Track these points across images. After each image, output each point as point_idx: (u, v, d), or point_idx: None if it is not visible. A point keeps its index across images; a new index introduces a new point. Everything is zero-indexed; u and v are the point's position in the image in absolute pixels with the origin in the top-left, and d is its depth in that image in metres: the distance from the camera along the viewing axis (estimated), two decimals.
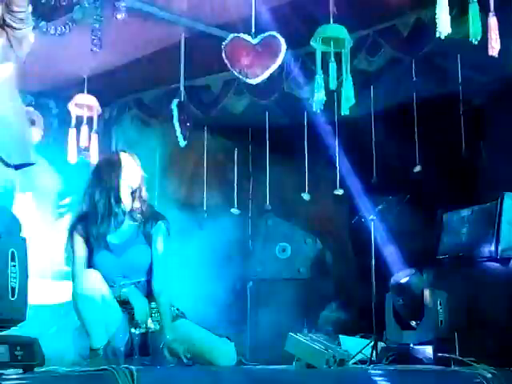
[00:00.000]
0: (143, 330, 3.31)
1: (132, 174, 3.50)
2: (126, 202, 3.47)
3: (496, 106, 5.19)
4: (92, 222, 3.40)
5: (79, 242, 3.41)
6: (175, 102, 5.20)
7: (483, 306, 4.08)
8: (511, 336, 3.93)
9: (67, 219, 5.51)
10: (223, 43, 4.45)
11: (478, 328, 4.06)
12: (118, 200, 3.43)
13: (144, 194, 3.54)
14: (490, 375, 3.30)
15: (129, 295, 3.32)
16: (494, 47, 3.68)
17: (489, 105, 5.28)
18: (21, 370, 2.42)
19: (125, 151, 3.61)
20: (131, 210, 3.48)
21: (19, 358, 2.40)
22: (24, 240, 2.61)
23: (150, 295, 3.41)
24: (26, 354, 2.43)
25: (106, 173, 3.47)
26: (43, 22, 4.58)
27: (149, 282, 3.42)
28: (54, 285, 4.73)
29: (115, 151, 3.62)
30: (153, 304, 3.38)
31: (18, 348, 2.40)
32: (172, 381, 2.53)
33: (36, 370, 2.48)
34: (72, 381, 2.31)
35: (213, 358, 3.22)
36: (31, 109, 5.39)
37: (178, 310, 3.46)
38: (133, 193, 3.50)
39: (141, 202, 3.51)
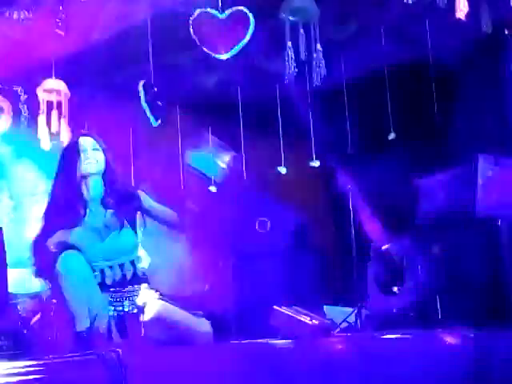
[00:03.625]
0: (121, 313, 3.30)
1: (93, 159, 3.40)
2: (90, 190, 3.40)
3: (466, 68, 5.20)
4: (54, 215, 3.34)
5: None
6: (141, 82, 5.13)
7: (463, 268, 4.13)
8: (491, 296, 3.99)
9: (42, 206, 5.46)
10: (190, 18, 4.40)
11: (458, 290, 4.12)
12: (77, 191, 3.35)
13: (115, 177, 3.46)
14: (472, 335, 3.35)
15: None
16: (462, 10, 3.68)
17: (459, 68, 5.30)
18: (6, 360, 2.41)
19: (87, 135, 3.47)
20: (103, 197, 3.41)
21: (4, 347, 2.39)
22: (0, 230, 2.58)
23: (131, 278, 3.39)
24: (11, 343, 2.42)
25: (64, 162, 3.39)
26: (5, 8, 4.49)
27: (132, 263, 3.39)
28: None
29: (75, 136, 3.48)
30: (130, 287, 3.36)
31: (2, 338, 2.39)
32: (159, 361, 2.53)
33: (21, 359, 2.47)
34: (59, 367, 2.30)
35: (190, 338, 3.22)
36: None
37: (157, 291, 3.43)
38: (102, 179, 3.42)
39: (111, 186, 3.43)
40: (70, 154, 3.40)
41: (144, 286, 3.41)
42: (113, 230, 3.36)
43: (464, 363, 3.23)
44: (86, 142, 3.43)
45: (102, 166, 3.42)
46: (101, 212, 3.40)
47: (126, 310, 3.31)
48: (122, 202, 3.40)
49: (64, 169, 3.40)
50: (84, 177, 3.38)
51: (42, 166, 5.75)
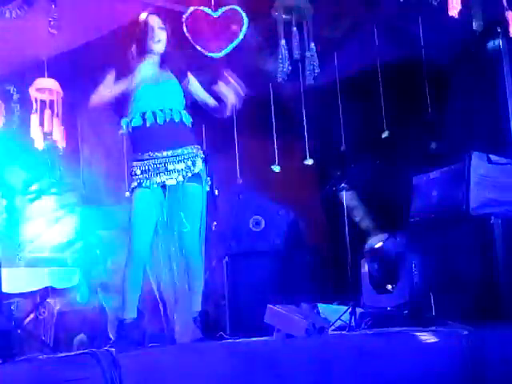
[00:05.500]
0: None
1: (158, 38, 3.55)
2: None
3: (459, 66, 5.21)
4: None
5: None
6: None
7: (457, 266, 4.14)
8: (485, 294, 4.00)
9: (36, 205, 5.46)
10: (184, 16, 4.39)
11: (452, 288, 4.12)
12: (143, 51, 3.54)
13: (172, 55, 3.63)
14: (466, 332, 3.36)
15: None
16: (455, 7, 3.69)
17: (452, 66, 5.31)
18: (0, 360, 2.41)
19: (154, 13, 3.61)
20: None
21: None
22: None
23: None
24: (5, 343, 2.41)
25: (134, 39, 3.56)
26: None
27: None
28: (27, 272, 4.69)
29: (144, 14, 3.63)
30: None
31: None
32: (153, 361, 2.53)
33: (16, 358, 2.46)
34: (53, 366, 2.29)
35: None
36: None
37: None
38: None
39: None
40: (140, 32, 3.54)
41: None
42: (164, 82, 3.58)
43: (458, 361, 3.23)
44: (154, 21, 3.57)
45: (164, 45, 3.59)
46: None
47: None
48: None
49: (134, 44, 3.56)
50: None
51: (34, 166, 5.73)
